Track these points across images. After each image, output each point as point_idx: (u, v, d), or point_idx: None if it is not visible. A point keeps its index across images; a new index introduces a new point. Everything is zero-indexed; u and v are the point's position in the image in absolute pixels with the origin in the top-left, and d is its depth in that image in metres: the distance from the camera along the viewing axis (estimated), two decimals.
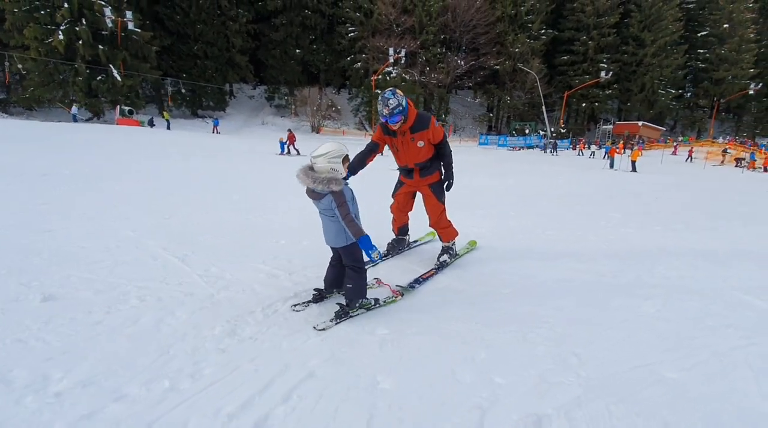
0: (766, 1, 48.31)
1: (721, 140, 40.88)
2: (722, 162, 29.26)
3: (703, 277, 4.02)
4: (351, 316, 2.80)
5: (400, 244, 4.30)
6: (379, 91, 40.83)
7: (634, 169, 20.46)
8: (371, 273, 3.47)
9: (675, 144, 37.91)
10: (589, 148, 35.23)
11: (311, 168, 2.59)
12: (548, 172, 18.15)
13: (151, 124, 28.17)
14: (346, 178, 2.71)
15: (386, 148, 3.74)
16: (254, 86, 47.46)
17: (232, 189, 7.96)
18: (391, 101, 3.24)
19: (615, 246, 5.05)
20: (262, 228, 4.99)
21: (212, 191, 7.50)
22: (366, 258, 2.77)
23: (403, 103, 3.30)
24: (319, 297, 3.03)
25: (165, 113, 29.99)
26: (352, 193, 2.72)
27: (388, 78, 40.35)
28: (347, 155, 2.67)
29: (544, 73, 43.18)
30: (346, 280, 2.82)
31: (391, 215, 4.22)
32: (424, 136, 3.49)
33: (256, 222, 5.30)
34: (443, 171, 3.82)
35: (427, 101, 46.58)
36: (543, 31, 45.09)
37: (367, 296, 2.95)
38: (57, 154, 10.90)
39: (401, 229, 4.26)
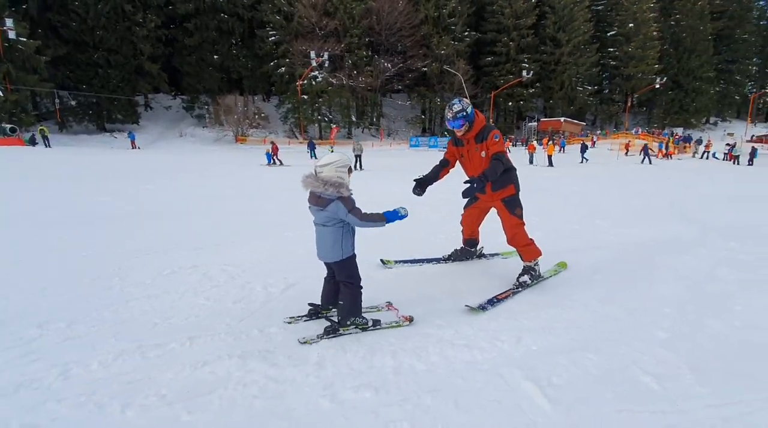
0: (666, 1, 52.28)
1: (634, 132, 43.44)
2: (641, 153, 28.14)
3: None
4: (341, 334, 2.68)
5: (465, 254, 4.31)
6: (306, 97, 39.24)
7: (550, 164, 20.51)
8: (397, 291, 3.30)
9: (594, 138, 39.74)
10: (516, 145, 35.83)
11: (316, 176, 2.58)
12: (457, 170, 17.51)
13: (32, 142, 24.63)
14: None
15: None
16: (174, 96, 44.07)
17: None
18: (455, 106, 3.47)
19: None
20: None
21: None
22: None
23: (468, 110, 3.48)
24: (315, 312, 2.91)
25: (42, 128, 26.51)
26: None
27: (313, 82, 38.82)
28: (351, 166, 2.65)
29: (470, 74, 43.71)
30: (339, 296, 2.74)
31: (461, 227, 4.25)
32: (484, 147, 3.56)
33: None
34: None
35: (358, 106, 45.55)
36: (466, 33, 45.78)
37: (365, 315, 2.77)
38: None
39: (468, 241, 4.26)
